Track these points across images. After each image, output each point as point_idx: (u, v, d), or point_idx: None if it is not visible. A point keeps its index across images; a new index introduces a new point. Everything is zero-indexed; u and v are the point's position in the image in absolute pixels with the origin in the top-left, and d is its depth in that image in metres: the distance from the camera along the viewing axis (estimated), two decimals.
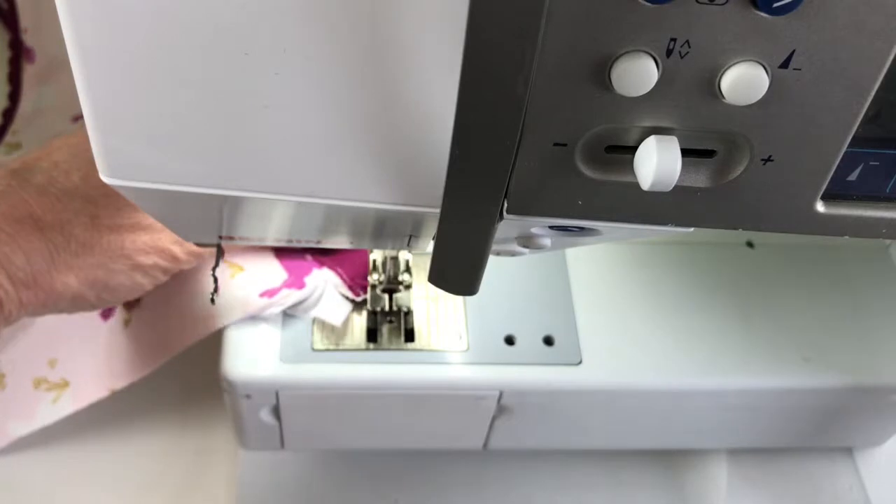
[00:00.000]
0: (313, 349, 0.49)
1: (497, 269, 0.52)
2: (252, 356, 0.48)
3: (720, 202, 0.26)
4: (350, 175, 0.26)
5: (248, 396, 0.49)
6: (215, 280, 0.45)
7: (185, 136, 0.24)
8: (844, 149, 0.24)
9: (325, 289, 0.50)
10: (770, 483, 0.63)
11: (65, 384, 0.58)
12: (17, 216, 0.39)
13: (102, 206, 0.41)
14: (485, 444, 0.56)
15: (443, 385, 0.49)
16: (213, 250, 0.44)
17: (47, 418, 0.56)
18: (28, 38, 0.52)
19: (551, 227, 0.31)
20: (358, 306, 0.51)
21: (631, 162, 0.24)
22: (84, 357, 0.58)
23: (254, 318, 0.49)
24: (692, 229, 0.27)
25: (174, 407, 0.62)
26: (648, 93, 0.22)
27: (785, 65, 0.21)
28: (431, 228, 0.32)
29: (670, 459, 0.64)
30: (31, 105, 0.56)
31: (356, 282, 0.51)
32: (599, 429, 0.56)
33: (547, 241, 0.33)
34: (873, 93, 0.22)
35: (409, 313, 0.51)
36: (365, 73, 0.23)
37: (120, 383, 0.55)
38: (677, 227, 0.27)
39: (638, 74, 0.21)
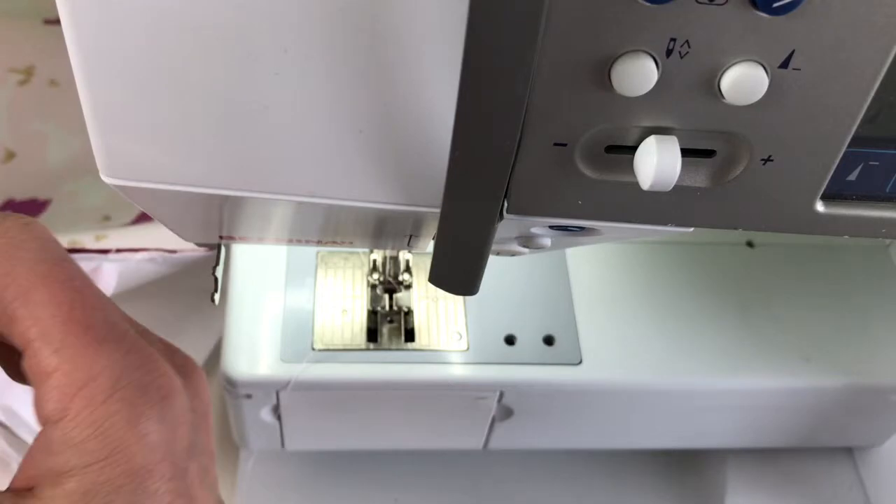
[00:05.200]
0: (313, 349, 0.49)
1: (497, 269, 0.52)
2: (252, 355, 0.48)
3: (720, 202, 0.26)
4: (350, 175, 0.26)
5: (248, 396, 0.49)
6: (216, 280, 0.45)
7: (185, 136, 0.24)
8: (844, 149, 0.24)
9: None
10: (770, 483, 0.63)
11: None
12: None
13: None
14: (485, 444, 0.56)
15: (443, 385, 0.49)
16: None
17: None
18: None
19: (551, 227, 0.31)
20: (358, 306, 0.51)
21: (631, 162, 0.24)
22: None
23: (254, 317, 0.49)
24: (692, 229, 0.27)
25: None
26: (648, 93, 0.22)
27: (785, 65, 0.21)
28: (431, 228, 0.32)
29: (670, 459, 0.64)
30: None
31: None
32: (600, 429, 0.56)
33: (547, 241, 0.33)
34: (873, 93, 0.22)
35: (409, 313, 0.51)
36: (365, 73, 0.23)
37: None
38: (677, 227, 0.27)
39: (638, 74, 0.21)
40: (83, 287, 0.24)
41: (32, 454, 0.23)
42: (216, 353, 0.59)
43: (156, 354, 0.24)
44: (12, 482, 0.24)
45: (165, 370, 0.24)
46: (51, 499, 0.22)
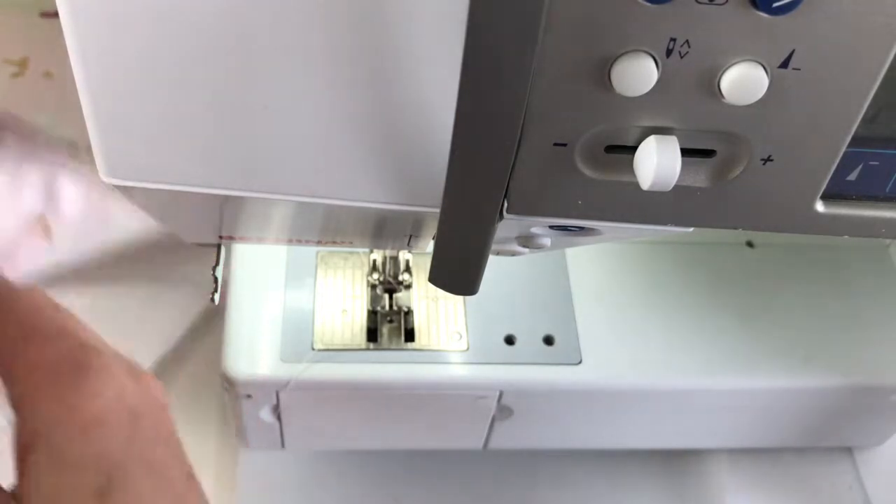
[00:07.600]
0: (313, 349, 0.49)
1: (497, 269, 0.52)
2: (253, 355, 0.48)
3: (720, 202, 0.26)
4: (350, 175, 0.26)
5: (248, 396, 0.49)
6: (216, 280, 0.45)
7: (185, 136, 0.24)
8: (844, 149, 0.24)
9: None
10: (770, 483, 0.63)
11: None
12: None
13: None
14: (485, 444, 0.56)
15: (443, 385, 0.49)
16: None
17: None
18: None
19: (551, 227, 0.31)
20: (358, 306, 0.51)
21: (631, 162, 0.24)
22: None
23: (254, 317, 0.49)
24: (692, 229, 0.27)
25: (174, 406, 0.62)
26: (648, 93, 0.22)
27: (784, 65, 0.21)
28: (431, 228, 0.32)
29: (670, 459, 0.64)
30: None
31: None
32: (599, 429, 0.56)
33: (547, 241, 0.33)
34: (873, 93, 0.22)
35: (409, 313, 0.51)
36: (365, 72, 0.23)
37: None
38: (677, 227, 0.27)
39: (638, 74, 0.21)
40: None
41: None
42: (213, 354, 0.59)
43: None
44: None
45: None
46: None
